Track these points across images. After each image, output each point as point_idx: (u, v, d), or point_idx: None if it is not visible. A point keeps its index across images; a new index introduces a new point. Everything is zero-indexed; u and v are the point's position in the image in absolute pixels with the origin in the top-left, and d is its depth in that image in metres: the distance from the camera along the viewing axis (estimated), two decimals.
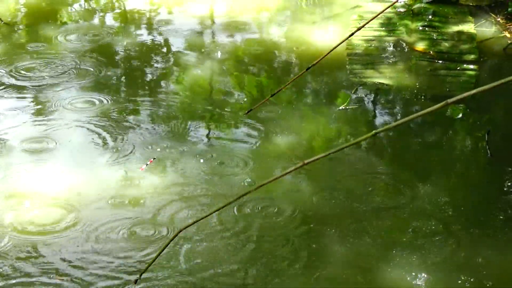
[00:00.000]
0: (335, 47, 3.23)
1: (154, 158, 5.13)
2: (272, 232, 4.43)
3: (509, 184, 4.97)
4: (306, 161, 2.46)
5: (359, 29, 3.23)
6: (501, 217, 4.65)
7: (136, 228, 4.43)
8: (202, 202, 4.71)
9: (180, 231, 2.50)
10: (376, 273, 4.15)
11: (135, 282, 4.05)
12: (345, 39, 3.63)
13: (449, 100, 2.61)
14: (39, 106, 5.91)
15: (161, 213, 4.57)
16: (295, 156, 5.24)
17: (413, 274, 4.13)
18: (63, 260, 4.19)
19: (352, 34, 3.40)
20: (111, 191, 4.78)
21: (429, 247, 4.34)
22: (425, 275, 4.12)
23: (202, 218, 2.52)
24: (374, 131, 2.42)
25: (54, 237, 4.36)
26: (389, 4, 8.15)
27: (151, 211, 4.60)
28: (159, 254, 2.63)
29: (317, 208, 4.67)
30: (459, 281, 4.09)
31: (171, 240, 2.58)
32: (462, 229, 4.52)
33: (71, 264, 4.16)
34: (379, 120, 5.83)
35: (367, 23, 3.25)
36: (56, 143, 5.35)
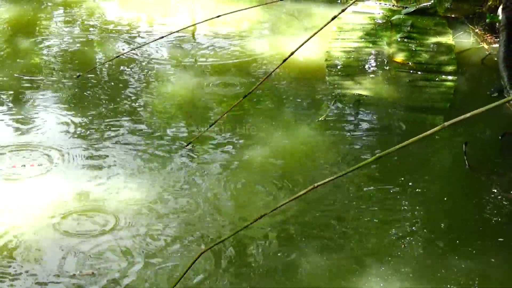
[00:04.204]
0: (270, 74, 3.24)
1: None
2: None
3: (486, 195, 4.99)
4: (316, 185, 2.44)
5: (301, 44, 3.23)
6: (479, 228, 4.67)
7: None
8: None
9: (205, 251, 2.49)
10: (352, 284, 4.15)
11: None
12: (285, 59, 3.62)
13: (446, 123, 2.63)
14: None
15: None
16: (273, 169, 5.24)
17: (389, 285, 4.12)
18: None
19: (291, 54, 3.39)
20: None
21: (406, 259, 4.34)
22: (401, 287, 4.12)
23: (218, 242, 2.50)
24: (377, 154, 2.41)
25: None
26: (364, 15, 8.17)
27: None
28: (185, 272, 2.60)
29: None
30: None
31: (195, 260, 2.57)
32: (440, 240, 4.52)
33: None
34: (358, 132, 5.83)
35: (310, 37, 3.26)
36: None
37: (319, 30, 4.45)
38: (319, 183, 2.28)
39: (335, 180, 4.82)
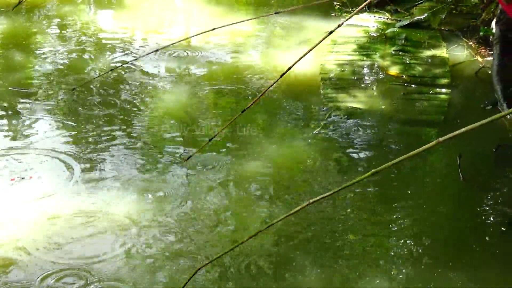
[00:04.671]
0: (269, 87, 3.26)
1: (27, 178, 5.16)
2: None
3: (481, 207, 4.99)
4: (311, 201, 2.44)
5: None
6: (473, 240, 4.67)
7: None
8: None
9: (199, 268, 2.49)
10: None
11: None
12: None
13: (441, 139, 2.63)
14: None
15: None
16: (268, 183, 5.24)
17: None
18: None
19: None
20: None
21: (401, 272, 4.34)
22: None
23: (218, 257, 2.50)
24: (373, 170, 2.42)
25: None
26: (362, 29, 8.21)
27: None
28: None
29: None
30: None
31: (191, 277, 2.57)
32: (435, 253, 4.52)
33: None
34: (352, 145, 5.83)
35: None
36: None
37: (316, 45, 4.46)
38: (314, 199, 2.28)
39: (321, 192, 4.83)
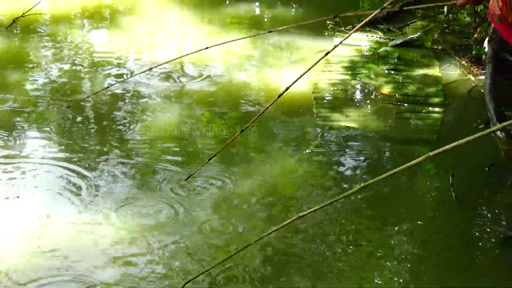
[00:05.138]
0: (266, 108, 3.28)
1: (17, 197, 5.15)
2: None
3: (473, 225, 5.00)
4: (301, 214, 2.47)
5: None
6: (466, 258, 4.67)
7: None
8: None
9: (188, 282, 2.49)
10: None
11: None
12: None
13: (431, 153, 2.65)
14: None
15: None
16: (259, 199, 5.24)
17: None
18: None
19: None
20: None
21: None
22: None
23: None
24: (363, 184, 2.44)
25: None
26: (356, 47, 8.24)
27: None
28: None
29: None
30: None
31: None
32: (427, 272, 4.52)
33: None
34: (345, 164, 5.84)
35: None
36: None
37: (314, 64, 4.49)
38: (303, 213, 2.32)
39: (321, 211, 4.84)
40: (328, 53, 4.74)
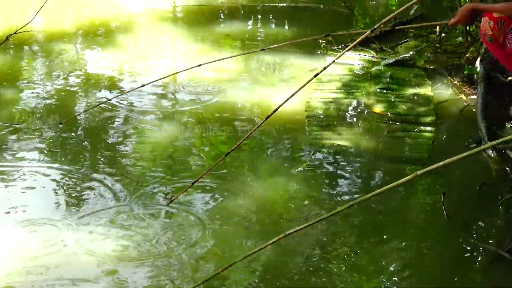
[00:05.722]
0: (254, 129, 3.29)
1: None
2: None
3: (464, 244, 4.99)
4: (287, 232, 2.48)
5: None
6: (456, 277, 4.66)
7: None
8: None
9: None
10: None
11: None
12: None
13: (419, 172, 2.66)
14: None
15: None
16: (250, 218, 5.24)
17: None
18: None
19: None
20: None
21: None
22: None
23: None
24: (350, 202, 2.45)
25: None
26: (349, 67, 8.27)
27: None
28: None
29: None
30: None
31: None
32: None
33: None
34: (337, 182, 5.85)
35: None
36: None
37: (306, 84, 4.51)
38: (290, 231, 2.32)
39: (310, 229, 4.84)
40: (318, 74, 4.76)
